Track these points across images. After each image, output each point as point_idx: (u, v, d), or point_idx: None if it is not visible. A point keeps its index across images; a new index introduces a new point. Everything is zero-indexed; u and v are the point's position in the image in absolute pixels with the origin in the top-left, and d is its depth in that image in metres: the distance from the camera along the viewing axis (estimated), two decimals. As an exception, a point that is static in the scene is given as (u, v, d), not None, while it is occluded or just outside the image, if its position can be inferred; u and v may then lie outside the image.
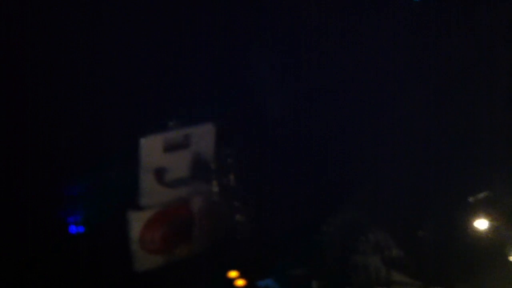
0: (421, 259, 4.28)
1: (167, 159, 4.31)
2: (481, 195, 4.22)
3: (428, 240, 4.38)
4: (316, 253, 4.49)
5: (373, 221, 4.58)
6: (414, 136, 4.76)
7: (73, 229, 4.25)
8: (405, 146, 4.77)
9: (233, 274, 4.05)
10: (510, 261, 4.05)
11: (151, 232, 4.33)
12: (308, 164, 4.92)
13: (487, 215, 4.15)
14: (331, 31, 4.92)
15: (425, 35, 4.76)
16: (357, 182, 4.86)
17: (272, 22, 4.93)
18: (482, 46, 4.63)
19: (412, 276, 4.20)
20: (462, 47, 4.66)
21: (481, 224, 4.16)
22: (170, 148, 4.34)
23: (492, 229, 4.13)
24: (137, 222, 4.31)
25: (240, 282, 3.99)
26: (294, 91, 4.96)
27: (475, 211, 4.20)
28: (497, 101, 4.54)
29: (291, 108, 4.99)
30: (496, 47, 4.62)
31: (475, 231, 4.20)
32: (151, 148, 4.24)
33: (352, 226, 4.59)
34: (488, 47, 4.63)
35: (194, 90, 4.59)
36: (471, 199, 4.23)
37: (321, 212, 4.70)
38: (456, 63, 4.69)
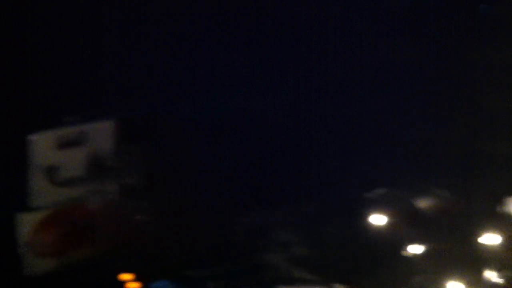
0: (324, 257, 4.30)
1: (61, 156, 4.10)
2: (379, 191, 4.31)
3: (330, 237, 4.41)
4: (218, 254, 4.41)
5: (277, 221, 4.57)
6: (313, 135, 4.84)
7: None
8: (303, 145, 4.83)
9: (126, 277, 3.88)
10: (406, 256, 4.14)
11: (43, 234, 4.08)
12: (212, 166, 4.84)
13: (385, 210, 4.23)
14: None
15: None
16: (261, 183, 4.84)
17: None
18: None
19: (316, 273, 4.21)
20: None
21: (380, 219, 4.23)
22: (64, 145, 4.12)
23: (390, 224, 4.21)
24: (27, 224, 4.04)
25: (133, 285, 3.84)
26: (200, 89, 4.87)
27: (374, 207, 4.27)
28: (394, 100, 4.65)
29: (198, 106, 4.90)
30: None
31: (375, 226, 4.27)
32: (43, 145, 4.02)
33: (258, 226, 4.55)
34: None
35: (92, 85, 4.40)
36: (369, 195, 4.30)
37: (226, 213, 4.63)
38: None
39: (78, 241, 4.08)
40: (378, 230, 4.30)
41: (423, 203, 4.26)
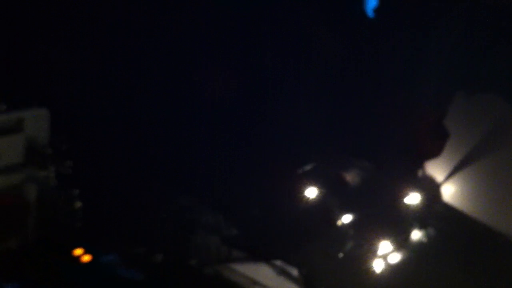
0: (255, 235, 4.49)
1: None
2: (308, 167, 4.56)
3: (260, 216, 4.61)
4: (157, 234, 4.51)
5: (208, 204, 4.72)
6: (241, 118, 4.98)
7: None
8: (231, 129, 4.98)
9: (78, 251, 3.97)
10: (337, 226, 4.42)
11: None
12: (143, 152, 4.94)
13: (315, 184, 4.49)
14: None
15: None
16: (190, 168, 4.98)
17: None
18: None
19: (248, 251, 4.38)
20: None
21: (310, 192, 4.49)
22: (0, 132, 4.08)
23: (319, 197, 4.48)
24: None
25: (86, 257, 3.96)
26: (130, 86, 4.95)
27: (304, 182, 4.52)
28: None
29: (129, 100, 4.97)
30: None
31: (306, 200, 4.52)
32: None
33: (189, 210, 4.68)
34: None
35: (28, 72, 4.39)
36: (299, 170, 4.55)
37: (159, 196, 4.73)
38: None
39: (15, 228, 4.06)
40: (309, 203, 4.56)
41: (349, 175, 4.57)
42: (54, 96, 4.46)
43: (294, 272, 4.51)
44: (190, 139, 4.78)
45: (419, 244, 4.45)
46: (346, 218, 4.52)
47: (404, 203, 4.39)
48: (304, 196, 4.62)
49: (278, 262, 4.51)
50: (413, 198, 4.35)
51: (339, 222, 4.51)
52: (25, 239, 4.34)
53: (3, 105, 4.17)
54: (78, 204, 4.51)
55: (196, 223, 4.68)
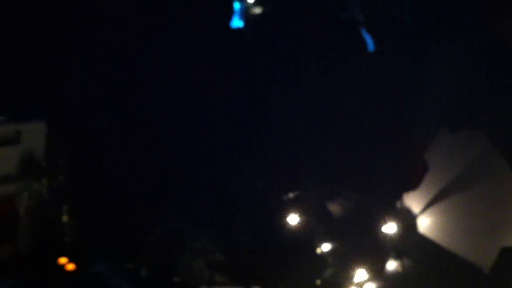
0: (241, 261, 4.58)
1: None
2: (293, 194, 4.70)
3: (246, 242, 4.72)
4: (146, 252, 4.60)
5: (196, 228, 4.83)
6: (226, 142, 5.07)
7: None
8: (218, 154, 5.08)
9: (63, 260, 4.07)
10: (318, 253, 4.54)
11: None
12: (137, 171, 5.05)
13: (299, 211, 4.62)
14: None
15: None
16: (179, 190, 5.10)
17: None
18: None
19: (233, 277, 4.48)
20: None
21: (293, 219, 4.60)
22: None
23: (303, 224, 4.60)
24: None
25: (70, 266, 4.05)
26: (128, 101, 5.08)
27: (288, 209, 4.65)
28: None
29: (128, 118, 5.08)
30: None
31: (289, 227, 4.65)
32: None
33: (176, 233, 4.79)
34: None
35: (28, 86, 4.52)
36: (284, 198, 4.68)
37: (148, 217, 4.83)
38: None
39: (5, 239, 4.16)
40: (291, 230, 4.69)
41: (331, 204, 4.73)
42: (53, 110, 4.59)
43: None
44: (184, 159, 4.91)
45: (395, 273, 4.58)
46: (326, 247, 4.65)
47: (382, 232, 4.54)
48: (287, 223, 4.75)
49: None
50: (390, 228, 4.51)
51: (318, 250, 4.64)
52: (14, 250, 4.43)
53: (1, 117, 4.28)
54: (67, 219, 4.60)
55: (183, 245, 4.78)
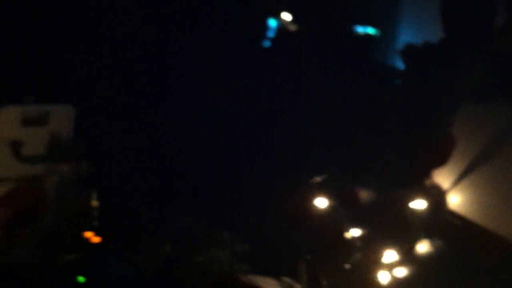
0: (267, 250, 4.55)
1: (24, 133, 4.20)
2: (320, 178, 4.69)
3: (271, 231, 4.70)
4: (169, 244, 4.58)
5: (220, 220, 4.82)
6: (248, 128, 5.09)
7: None
8: (240, 143, 5.09)
9: (88, 234, 4.06)
10: (346, 238, 4.51)
11: (1, 208, 4.13)
12: (161, 163, 5.08)
13: (326, 195, 4.60)
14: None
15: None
16: (204, 186, 5.11)
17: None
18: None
19: (258, 267, 4.45)
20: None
21: (320, 203, 4.59)
22: (29, 122, 4.22)
23: (330, 208, 4.58)
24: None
25: (96, 239, 4.04)
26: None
27: (314, 193, 4.64)
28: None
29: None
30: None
31: (316, 212, 4.62)
32: (8, 119, 4.13)
33: (203, 225, 4.78)
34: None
35: (58, 69, 4.60)
36: (310, 181, 4.67)
37: (174, 208, 4.83)
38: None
39: (32, 219, 4.15)
40: (319, 216, 4.66)
41: (358, 187, 4.71)
42: (80, 96, 4.64)
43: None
44: (201, 153, 4.93)
45: (425, 254, 4.52)
46: (354, 231, 4.62)
47: (409, 208, 4.49)
48: (314, 207, 4.72)
49: (287, 279, 4.57)
50: (418, 204, 4.46)
51: (346, 234, 4.61)
52: (41, 233, 4.42)
53: (31, 97, 4.32)
54: (96, 203, 4.60)
55: (209, 237, 4.76)
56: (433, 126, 4.35)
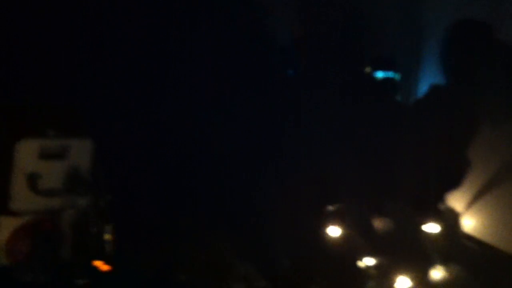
0: (283, 285, 4.54)
1: (42, 166, 4.23)
2: (334, 207, 4.70)
3: (288, 266, 4.69)
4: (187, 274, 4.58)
5: (239, 254, 4.82)
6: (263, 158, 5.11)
7: None
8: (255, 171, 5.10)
9: (97, 263, 4.10)
10: (360, 266, 4.48)
11: (19, 241, 4.19)
12: (178, 193, 5.11)
13: (340, 223, 4.60)
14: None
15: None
16: (222, 216, 5.12)
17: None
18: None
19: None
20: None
21: (334, 231, 4.58)
22: (46, 155, 4.25)
23: (343, 236, 4.57)
24: (5, 228, 4.14)
25: (105, 267, 4.08)
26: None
27: (329, 221, 4.64)
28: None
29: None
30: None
31: (330, 240, 4.61)
32: (28, 152, 4.15)
33: (220, 259, 4.78)
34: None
35: (77, 102, 4.70)
36: (325, 210, 4.68)
37: (188, 240, 4.85)
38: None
39: (47, 251, 4.20)
40: (332, 244, 4.65)
41: (375, 217, 4.71)
42: (100, 128, 4.71)
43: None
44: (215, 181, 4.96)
45: (440, 280, 4.48)
46: (368, 259, 4.60)
47: (424, 232, 4.46)
48: (328, 236, 4.71)
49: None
50: (432, 228, 4.45)
51: (360, 263, 4.59)
52: (56, 264, 4.46)
53: (52, 131, 4.39)
54: (110, 238, 4.63)
55: (227, 271, 4.76)
56: (448, 149, 4.36)
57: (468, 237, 4.28)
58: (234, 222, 4.84)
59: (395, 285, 4.29)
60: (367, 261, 4.46)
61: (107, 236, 4.45)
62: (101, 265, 4.12)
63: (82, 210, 4.38)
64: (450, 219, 4.35)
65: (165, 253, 4.63)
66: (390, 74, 5.31)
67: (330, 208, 4.61)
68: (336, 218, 4.55)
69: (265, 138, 5.10)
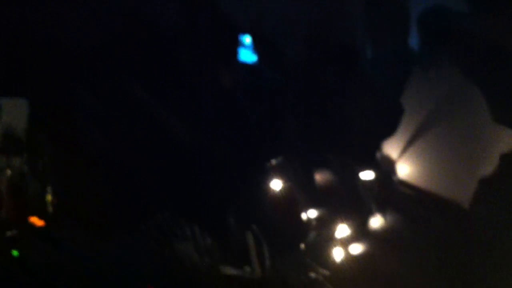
0: (229, 243, 4.51)
1: None
2: (277, 160, 4.68)
3: (234, 222, 4.66)
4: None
5: (184, 217, 4.77)
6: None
7: None
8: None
9: (33, 218, 4.05)
10: (302, 218, 4.47)
11: None
12: (124, 158, 5.02)
13: (281, 177, 4.58)
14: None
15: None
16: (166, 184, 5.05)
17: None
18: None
19: (222, 260, 4.40)
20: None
21: (276, 185, 4.57)
22: None
23: (285, 189, 4.55)
24: None
25: (39, 222, 4.03)
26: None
27: (272, 175, 4.61)
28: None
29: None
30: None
31: (271, 194, 4.59)
32: None
33: (168, 223, 4.74)
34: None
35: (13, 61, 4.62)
36: (267, 165, 4.66)
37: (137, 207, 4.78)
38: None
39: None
40: (275, 197, 4.63)
41: (314, 168, 4.70)
42: (38, 87, 4.63)
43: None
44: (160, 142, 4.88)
45: (378, 227, 4.48)
46: (310, 212, 4.59)
47: (361, 182, 4.46)
48: (270, 190, 4.69)
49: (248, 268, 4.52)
50: (368, 175, 4.44)
51: (302, 215, 4.58)
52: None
53: (-18, 90, 4.33)
54: (50, 198, 4.58)
55: (171, 235, 4.72)
56: (381, 94, 4.35)
57: (403, 183, 4.26)
58: (178, 185, 4.78)
59: (335, 233, 4.28)
60: (309, 213, 4.44)
61: (48, 197, 4.38)
62: (36, 221, 4.07)
63: (18, 170, 4.30)
64: (384, 166, 4.32)
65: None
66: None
67: (273, 162, 4.57)
68: (278, 172, 4.51)
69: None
